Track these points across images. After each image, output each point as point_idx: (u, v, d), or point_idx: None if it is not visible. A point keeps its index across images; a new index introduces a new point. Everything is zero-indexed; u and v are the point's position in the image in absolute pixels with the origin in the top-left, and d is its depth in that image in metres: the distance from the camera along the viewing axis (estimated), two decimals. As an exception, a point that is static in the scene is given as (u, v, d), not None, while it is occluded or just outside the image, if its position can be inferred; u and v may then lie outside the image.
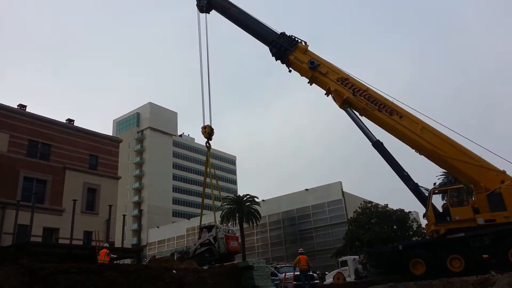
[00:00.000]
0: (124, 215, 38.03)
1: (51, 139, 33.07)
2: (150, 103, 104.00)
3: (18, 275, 11.09)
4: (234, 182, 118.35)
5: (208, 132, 23.08)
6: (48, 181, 31.94)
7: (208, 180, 23.75)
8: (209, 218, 24.46)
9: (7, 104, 31.55)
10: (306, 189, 63.90)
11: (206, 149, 23.96)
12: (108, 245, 21.98)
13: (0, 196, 28.46)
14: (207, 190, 24.91)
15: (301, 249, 21.59)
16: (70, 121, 36.23)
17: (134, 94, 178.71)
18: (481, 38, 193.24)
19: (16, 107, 32.60)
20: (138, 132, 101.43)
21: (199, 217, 27.03)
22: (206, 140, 23.32)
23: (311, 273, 23.72)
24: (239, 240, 23.96)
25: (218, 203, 78.57)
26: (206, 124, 23.25)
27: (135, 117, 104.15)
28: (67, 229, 29.10)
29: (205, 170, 25.01)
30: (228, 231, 22.93)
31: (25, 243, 24.42)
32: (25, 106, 33.43)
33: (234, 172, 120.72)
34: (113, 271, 12.99)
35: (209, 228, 24.35)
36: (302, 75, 21.14)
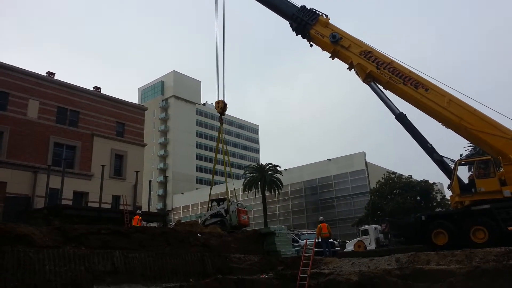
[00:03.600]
0: (150, 181, 39.20)
1: (79, 106, 33.84)
2: (174, 71, 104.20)
3: (52, 235, 11.74)
4: (257, 151, 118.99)
5: (221, 107, 23.33)
6: (77, 147, 32.93)
7: (221, 155, 24.28)
8: (223, 187, 25.05)
9: (37, 72, 32.31)
10: (329, 159, 63.75)
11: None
12: (140, 212, 22.90)
13: (32, 161, 29.62)
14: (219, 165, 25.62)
15: (321, 217, 21.88)
16: (97, 89, 36.84)
17: (160, 62, 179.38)
18: None
19: (44, 74, 33.30)
20: (162, 101, 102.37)
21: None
22: (219, 115, 23.60)
23: (331, 240, 24.19)
24: (248, 213, 24.71)
25: (241, 171, 79.69)
26: (219, 99, 23.41)
27: (159, 86, 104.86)
28: (96, 193, 30.23)
29: (216, 144, 25.43)
30: (239, 205, 23.70)
31: (56, 206, 25.60)
32: (53, 74, 34.11)
33: (256, 141, 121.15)
34: (140, 233, 13.57)
35: (218, 201, 25.23)
36: (323, 49, 20.56)
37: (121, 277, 11.04)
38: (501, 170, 16.38)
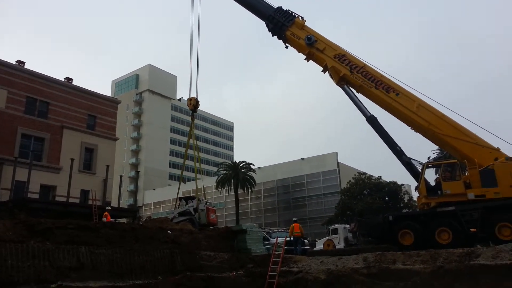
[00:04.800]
0: (121, 176, 38.51)
1: (50, 97, 32.86)
2: (149, 65, 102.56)
3: (17, 229, 11.37)
4: (231, 148, 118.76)
5: (193, 104, 23.25)
6: (46, 139, 31.99)
7: (192, 151, 24.22)
8: (200, 183, 24.95)
9: (6, 60, 31.16)
10: (302, 158, 64.37)
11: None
12: (109, 208, 22.54)
13: (-2, 152, 28.58)
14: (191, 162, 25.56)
15: (295, 217, 22.39)
16: (69, 80, 35.88)
17: (135, 56, 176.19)
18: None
19: (14, 63, 32.15)
20: (136, 94, 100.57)
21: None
22: (191, 112, 23.55)
23: (302, 239, 24.55)
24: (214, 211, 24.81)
25: (214, 168, 79.33)
26: (192, 96, 23.34)
27: (134, 79, 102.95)
28: (64, 187, 29.44)
29: (187, 141, 25.34)
30: (208, 204, 23.74)
31: (22, 199, 24.78)
32: (23, 63, 32.98)
33: (231, 138, 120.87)
34: (109, 229, 13.32)
35: (186, 199, 25.17)
36: (299, 51, 20.74)
37: (87, 273, 10.83)
38: (466, 173, 16.95)
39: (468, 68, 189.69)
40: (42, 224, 11.94)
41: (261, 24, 21.75)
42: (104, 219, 19.75)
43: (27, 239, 11.13)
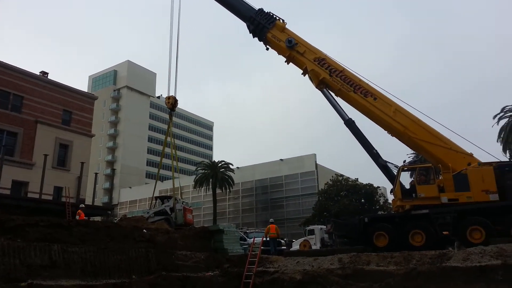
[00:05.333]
0: (96, 173, 37.81)
1: (24, 91, 31.96)
2: (128, 61, 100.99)
3: (-15, 226, 11.00)
4: (210, 147, 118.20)
5: (171, 103, 23.12)
6: (19, 134, 31.11)
7: (170, 150, 24.12)
8: (177, 182, 24.68)
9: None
10: (281, 159, 64.65)
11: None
12: (83, 206, 22.12)
13: (-32, 146, 27.63)
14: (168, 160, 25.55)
15: (271, 219, 22.54)
16: (44, 73, 34.99)
17: (114, 51, 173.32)
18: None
19: (-14, 54, 31.16)
20: (114, 91, 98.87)
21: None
22: (169, 111, 23.44)
23: (279, 239, 24.69)
24: (193, 211, 24.71)
25: (193, 167, 78.76)
26: (170, 95, 23.20)
27: (112, 75, 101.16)
28: (37, 184, 28.70)
29: (165, 139, 25.18)
30: (184, 203, 23.60)
31: (-8, 195, 24.02)
32: (-4, 55, 32.00)
33: (210, 137, 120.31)
34: (82, 227, 13.03)
35: (162, 198, 24.96)
36: (279, 53, 20.87)
37: (59, 271, 10.55)
38: (440, 177, 17.36)
39: (446, 78, 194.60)
40: (13, 221, 11.59)
41: (242, 24, 21.76)
42: (77, 217, 19.35)
43: (-4, 236, 10.77)
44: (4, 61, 31.61)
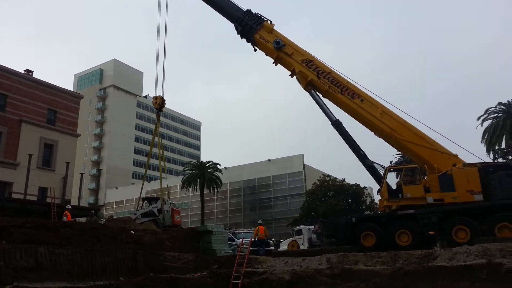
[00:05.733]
0: (81, 174, 37.35)
1: (7, 89, 31.42)
2: (114, 59, 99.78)
3: (-32, 227, 10.78)
4: (198, 148, 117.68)
5: (159, 103, 23.08)
6: (3, 133, 30.57)
7: (157, 150, 23.99)
8: (164, 182, 24.48)
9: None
10: (269, 160, 64.71)
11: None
12: (70, 206, 21.86)
13: (-51, 146, 27.04)
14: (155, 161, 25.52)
15: (260, 220, 22.66)
16: (29, 72, 34.46)
17: (99, 50, 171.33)
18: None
19: (-32, 52, 30.55)
20: (100, 90, 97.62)
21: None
22: (156, 111, 23.36)
23: (267, 240, 24.75)
24: (181, 212, 24.59)
25: (180, 168, 78.32)
26: (157, 95, 23.10)
27: (98, 74, 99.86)
28: (22, 184, 28.24)
29: (152, 140, 25.08)
30: (172, 204, 23.48)
31: (-25, 196, 23.57)
32: (-21, 52, 31.39)
33: (198, 137, 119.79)
34: (69, 228, 12.87)
35: (150, 199, 24.80)
36: (267, 55, 20.95)
37: (45, 273, 10.41)
38: (426, 178, 17.60)
39: (431, 80, 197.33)
40: (-3, 223, 11.39)
41: (229, 24, 21.75)
42: (65, 218, 19.10)
43: (-20, 238, 10.57)
44: (-13, 59, 31.05)
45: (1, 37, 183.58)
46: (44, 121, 33.51)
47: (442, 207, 16.28)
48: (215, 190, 59.69)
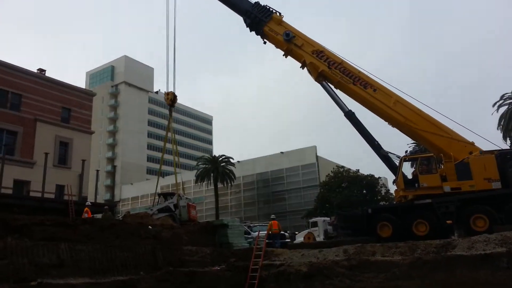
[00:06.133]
0: (97, 171, 37.73)
1: (22, 89, 31.85)
2: (125, 56, 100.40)
3: (-9, 226, 11.03)
4: (210, 142, 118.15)
5: (171, 99, 23.18)
6: (19, 133, 31.06)
7: (171, 146, 24.07)
8: (173, 179, 24.59)
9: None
10: (282, 152, 64.61)
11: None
12: (89, 203, 22.17)
13: (-32, 146, 27.60)
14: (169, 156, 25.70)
15: (273, 215, 22.76)
16: (42, 71, 34.86)
17: (110, 46, 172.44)
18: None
19: (-17, 53, 31.03)
20: (112, 87, 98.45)
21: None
22: (168, 107, 23.46)
23: (282, 232, 24.87)
24: (196, 206, 24.76)
25: (193, 162, 78.77)
26: (169, 91, 23.21)
27: (109, 71, 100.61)
28: (39, 182, 28.68)
29: (165, 136, 25.19)
30: (188, 200, 23.62)
31: (-5, 195, 24.03)
32: (-7, 53, 31.85)
33: (210, 132, 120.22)
34: (88, 225, 13.08)
35: (166, 195, 24.96)
36: (277, 47, 20.81)
37: (67, 270, 10.61)
38: (442, 167, 17.40)
39: (446, 69, 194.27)
40: (19, 220, 11.63)
41: (238, 17, 21.64)
42: (86, 215, 19.37)
43: (3, 235, 10.80)
44: (1, 60, 31.47)
45: (9, 36, 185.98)
46: (58, 119, 33.93)
47: (459, 195, 16.12)
48: (229, 184, 59.91)
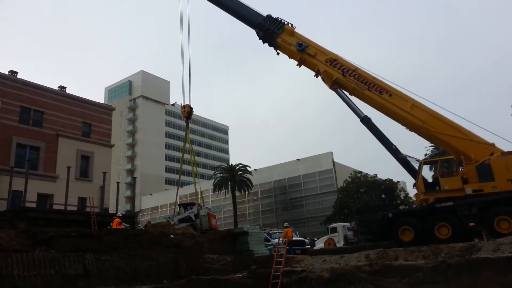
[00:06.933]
0: (118, 182, 38.33)
1: (44, 106, 32.74)
2: (142, 71, 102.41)
3: (20, 239, 11.36)
4: (226, 151, 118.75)
5: (187, 111, 23.44)
6: (41, 148, 31.86)
7: (189, 156, 24.33)
8: (191, 188, 24.80)
9: (-2, 70, 31.00)
10: (298, 159, 64.55)
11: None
12: (120, 215, 22.58)
13: (-6, 163, 28.43)
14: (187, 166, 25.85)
15: (286, 223, 22.81)
16: (62, 88, 35.77)
17: (127, 62, 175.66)
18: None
19: (7, 73, 32.02)
20: (130, 101, 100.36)
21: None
22: (185, 119, 23.76)
23: (302, 239, 24.86)
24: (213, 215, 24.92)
25: (210, 172, 79.20)
26: (185, 104, 23.51)
27: (127, 85, 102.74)
28: (61, 195, 29.28)
29: (183, 147, 25.43)
30: (208, 209, 23.76)
31: (21, 209, 24.61)
32: (16, 73, 32.86)
33: (226, 141, 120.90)
34: (112, 235, 13.33)
35: (185, 205, 25.14)
36: (290, 57, 20.94)
37: (93, 280, 10.84)
38: (463, 169, 17.17)
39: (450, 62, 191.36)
40: (46, 233, 11.94)
41: (249, 28, 21.85)
42: (121, 226, 19.72)
43: (31, 248, 11.12)
44: (23, 78, 32.45)
45: (32, 56, 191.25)
46: (79, 134, 34.72)
47: (481, 197, 15.87)
48: (246, 192, 60.06)
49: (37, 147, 31.72)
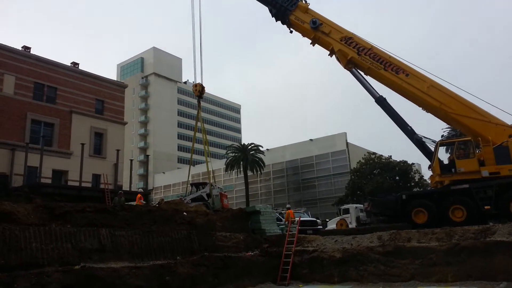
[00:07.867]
0: (131, 160, 38.75)
1: (57, 82, 32.94)
2: (154, 47, 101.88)
3: (37, 213, 11.57)
4: (239, 130, 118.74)
5: (199, 90, 23.30)
6: (56, 124, 32.21)
7: (201, 135, 24.34)
8: (203, 167, 24.87)
9: (11, 46, 31.13)
10: (311, 139, 64.17)
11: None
12: (142, 190, 22.99)
13: (9, 138, 28.87)
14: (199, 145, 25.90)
15: (288, 205, 22.77)
16: (75, 64, 35.85)
17: (139, 38, 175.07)
18: None
19: (20, 49, 32.14)
20: (142, 78, 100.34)
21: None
22: (197, 97, 23.67)
23: (314, 218, 24.96)
24: (225, 195, 25.03)
25: (222, 151, 79.47)
26: (197, 82, 23.33)
27: (139, 62, 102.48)
28: (76, 172, 29.77)
29: (195, 126, 25.49)
30: (220, 189, 23.84)
31: (37, 184, 25.11)
32: (29, 48, 32.96)
33: (238, 120, 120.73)
34: (127, 211, 13.49)
35: (197, 185, 25.24)
36: (304, 35, 20.49)
37: (108, 254, 11.02)
38: (480, 151, 16.86)
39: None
40: (62, 208, 12.13)
41: (262, 10, 21.40)
42: (142, 201, 20.18)
43: (48, 222, 11.32)
44: (37, 54, 32.56)
45: (45, 32, 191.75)
46: (93, 111, 34.95)
47: (498, 180, 15.61)
48: (258, 172, 60.13)
49: (51, 124, 32.07)
